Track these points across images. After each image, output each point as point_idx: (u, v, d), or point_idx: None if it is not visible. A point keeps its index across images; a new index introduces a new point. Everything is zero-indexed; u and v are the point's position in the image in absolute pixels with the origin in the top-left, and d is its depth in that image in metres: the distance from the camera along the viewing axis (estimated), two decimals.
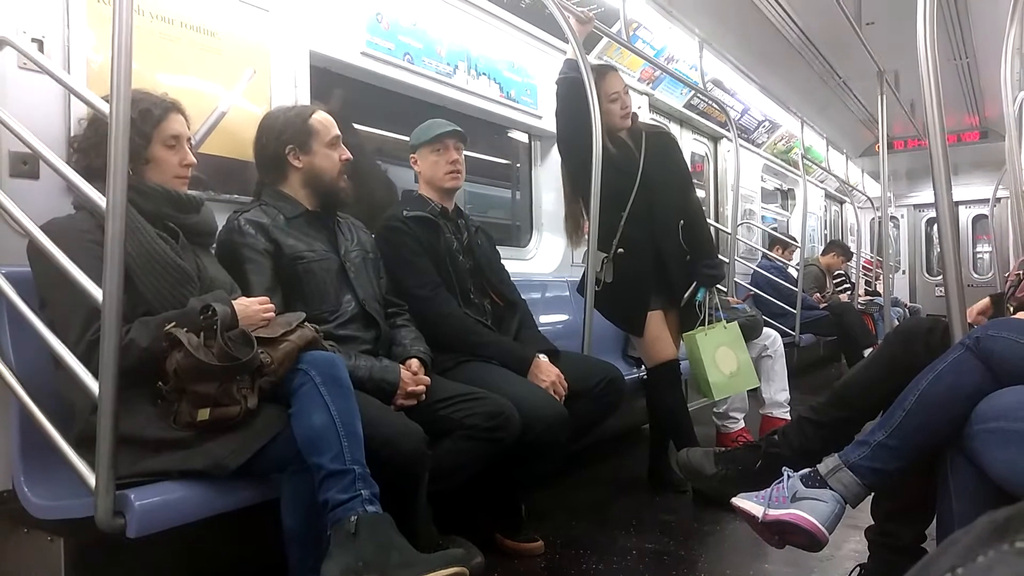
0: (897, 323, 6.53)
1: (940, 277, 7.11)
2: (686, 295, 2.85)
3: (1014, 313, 1.77)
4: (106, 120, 1.36)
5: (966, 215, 10.54)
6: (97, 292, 1.35)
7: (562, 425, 2.09)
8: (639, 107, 4.61)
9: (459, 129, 2.40)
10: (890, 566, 1.73)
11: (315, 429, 1.51)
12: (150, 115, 1.70)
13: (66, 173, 1.49)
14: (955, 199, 7.21)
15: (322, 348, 1.67)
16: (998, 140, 7.07)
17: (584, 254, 2.86)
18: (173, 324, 1.49)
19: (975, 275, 10.45)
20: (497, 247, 2.67)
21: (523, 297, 2.58)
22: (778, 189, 8.05)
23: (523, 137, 3.96)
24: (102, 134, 1.43)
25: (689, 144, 5.74)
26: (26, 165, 1.79)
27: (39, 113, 1.79)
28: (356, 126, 2.98)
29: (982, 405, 1.41)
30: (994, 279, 8.42)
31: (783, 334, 4.31)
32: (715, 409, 3.45)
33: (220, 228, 1.97)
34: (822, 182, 8.64)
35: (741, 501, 1.62)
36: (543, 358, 2.29)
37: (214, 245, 1.94)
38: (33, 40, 1.80)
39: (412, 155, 2.46)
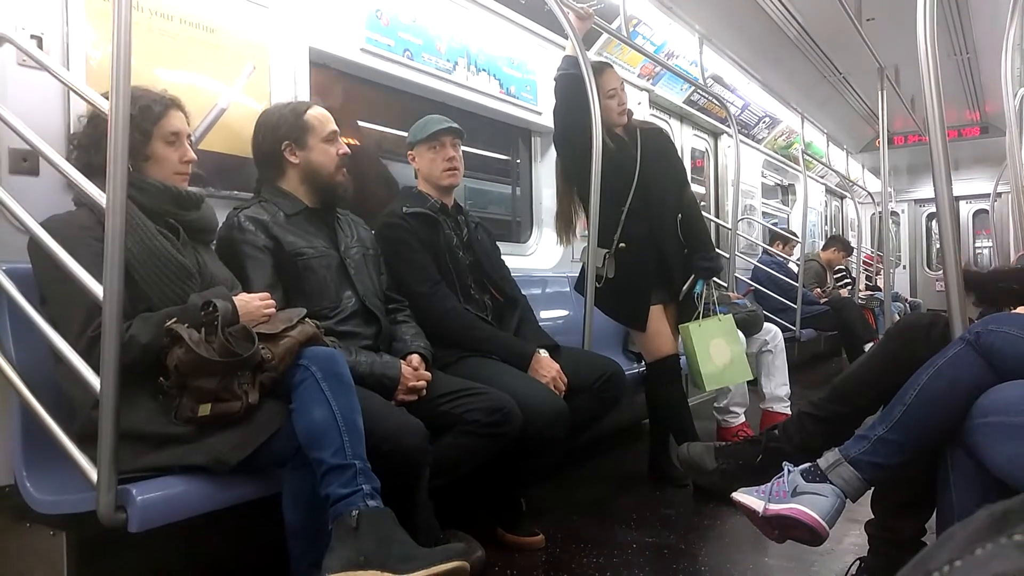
0: (897, 318, 6.55)
1: (941, 272, 7.11)
2: (684, 288, 2.86)
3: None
4: (106, 117, 1.36)
5: (967, 210, 10.54)
6: (98, 288, 1.36)
7: (562, 420, 2.09)
8: (639, 103, 4.61)
9: (456, 126, 2.40)
10: (890, 560, 1.74)
11: (316, 424, 1.51)
12: (150, 112, 1.70)
13: (66, 170, 1.49)
14: (956, 194, 7.21)
15: (323, 344, 1.67)
16: (998, 135, 7.06)
17: (583, 250, 2.87)
18: (174, 320, 1.50)
19: (975, 270, 10.44)
20: (497, 243, 2.67)
21: (523, 293, 2.58)
22: (778, 185, 8.05)
23: (523, 133, 3.96)
24: (102, 131, 1.43)
25: (689, 140, 5.74)
26: (26, 162, 1.79)
27: (39, 110, 1.79)
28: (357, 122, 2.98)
29: (982, 399, 1.41)
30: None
31: (784, 329, 4.32)
32: (715, 404, 3.45)
33: (220, 225, 1.97)
34: (822, 177, 8.64)
35: (742, 496, 1.62)
36: (543, 353, 2.29)
37: (214, 241, 1.94)
38: (32, 37, 1.80)
39: (410, 152, 2.46)
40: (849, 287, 6.73)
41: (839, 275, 6.75)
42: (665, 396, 2.86)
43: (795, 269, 5.74)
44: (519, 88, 3.62)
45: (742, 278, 5.38)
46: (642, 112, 4.56)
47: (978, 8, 4.78)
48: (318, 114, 2.11)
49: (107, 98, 1.37)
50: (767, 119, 6.69)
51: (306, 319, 1.67)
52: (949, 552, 0.35)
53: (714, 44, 5.09)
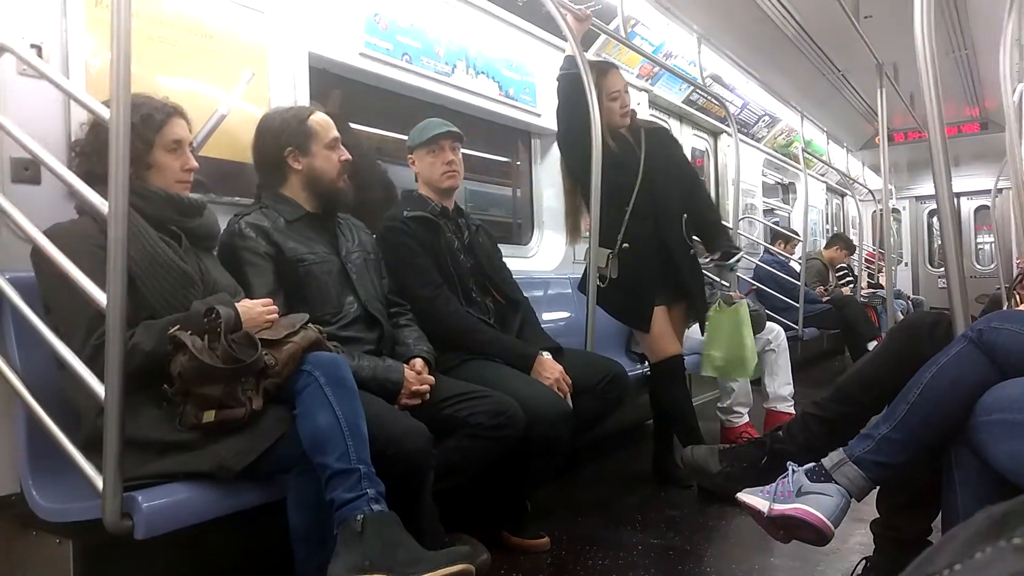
0: (900, 315, 6.54)
1: (943, 269, 7.10)
2: (731, 260, 2.92)
3: (1020, 304, 1.77)
4: (107, 125, 1.36)
5: (968, 206, 10.52)
6: (101, 296, 1.36)
7: (566, 422, 2.09)
8: (638, 103, 4.60)
9: (455, 129, 2.40)
10: (896, 559, 1.73)
11: (320, 429, 1.51)
12: (152, 120, 1.71)
13: (67, 178, 1.49)
14: (956, 190, 7.18)
15: (326, 349, 1.67)
16: (998, 131, 7.06)
17: (586, 251, 2.87)
18: (177, 327, 1.50)
19: (977, 266, 10.44)
20: (498, 245, 2.67)
21: (525, 295, 2.58)
22: (779, 183, 8.04)
23: (523, 135, 3.96)
24: (103, 139, 1.43)
25: (689, 140, 5.74)
26: (27, 171, 1.79)
27: (39, 118, 1.80)
28: (354, 126, 2.98)
29: (986, 397, 1.41)
30: (996, 270, 8.40)
31: (786, 328, 4.31)
32: (719, 404, 3.45)
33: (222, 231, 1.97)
34: (823, 176, 8.63)
35: (746, 496, 1.62)
36: (546, 355, 2.29)
37: (216, 248, 1.94)
38: (32, 46, 1.80)
39: (409, 156, 2.46)
40: (851, 285, 6.72)
41: (841, 273, 6.74)
42: (669, 397, 2.85)
43: (797, 268, 5.73)
44: (518, 90, 3.62)
45: (744, 277, 5.37)
46: (641, 112, 4.56)
47: (976, 4, 4.78)
48: (321, 120, 2.11)
49: (108, 106, 1.37)
50: (766, 118, 6.69)
51: (309, 324, 1.68)
52: (949, 555, 0.35)
53: (712, 44, 5.08)
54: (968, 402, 1.42)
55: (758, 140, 6.81)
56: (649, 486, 2.86)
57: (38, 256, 1.53)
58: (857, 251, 7.24)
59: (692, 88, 5.16)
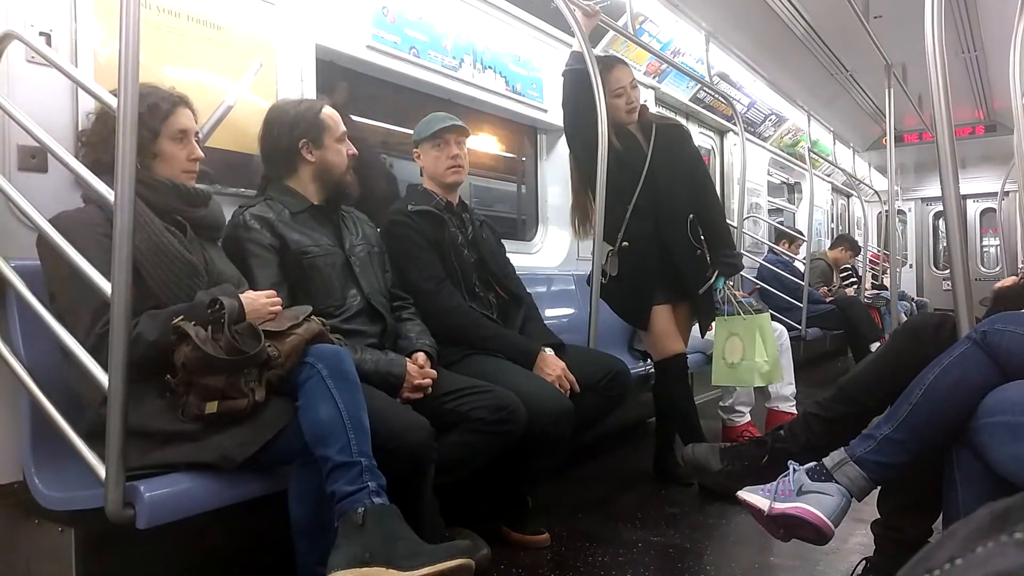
0: (904, 317, 6.53)
1: (947, 271, 7.07)
2: (706, 285, 2.82)
3: None
4: (114, 114, 1.36)
5: (974, 209, 10.49)
6: (106, 285, 1.37)
7: (567, 418, 2.09)
8: (644, 100, 4.58)
9: (460, 123, 2.40)
10: (896, 560, 1.73)
11: (322, 421, 1.52)
12: (158, 109, 1.71)
13: (74, 167, 1.50)
14: (963, 193, 7.17)
15: (329, 341, 1.68)
16: (1006, 133, 7.03)
17: (592, 248, 2.86)
18: (181, 317, 1.50)
19: (982, 269, 10.41)
20: (502, 241, 2.67)
21: (528, 291, 2.58)
22: (784, 183, 8.03)
23: (529, 131, 3.96)
24: (110, 128, 1.44)
25: (695, 138, 5.71)
26: (34, 159, 1.79)
27: (47, 107, 1.80)
28: (360, 119, 2.98)
29: (989, 399, 1.40)
30: (1002, 272, 8.38)
31: (789, 328, 4.31)
32: (721, 403, 3.45)
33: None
34: (829, 176, 8.60)
35: (747, 494, 1.62)
36: (549, 351, 2.29)
37: (221, 239, 1.94)
38: (41, 34, 1.80)
39: (415, 150, 2.46)
40: (855, 286, 6.71)
41: (845, 274, 6.73)
42: (672, 395, 2.85)
43: (801, 268, 5.72)
44: (525, 86, 3.61)
45: (748, 277, 5.37)
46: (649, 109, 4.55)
47: (986, 5, 4.75)
48: (332, 113, 2.12)
49: (115, 95, 1.37)
50: (773, 117, 6.67)
51: (312, 317, 1.68)
52: (950, 550, 0.35)
53: (720, 42, 5.07)
54: (971, 404, 1.42)
55: (764, 139, 6.79)
56: (650, 484, 2.87)
57: (44, 244, 1.54)
58: (862, 252, 7.23)
59: (699, 86, 5.15)
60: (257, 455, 1.50)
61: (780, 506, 1.55)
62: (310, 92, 2.47)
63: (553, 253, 3.91)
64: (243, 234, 1.96)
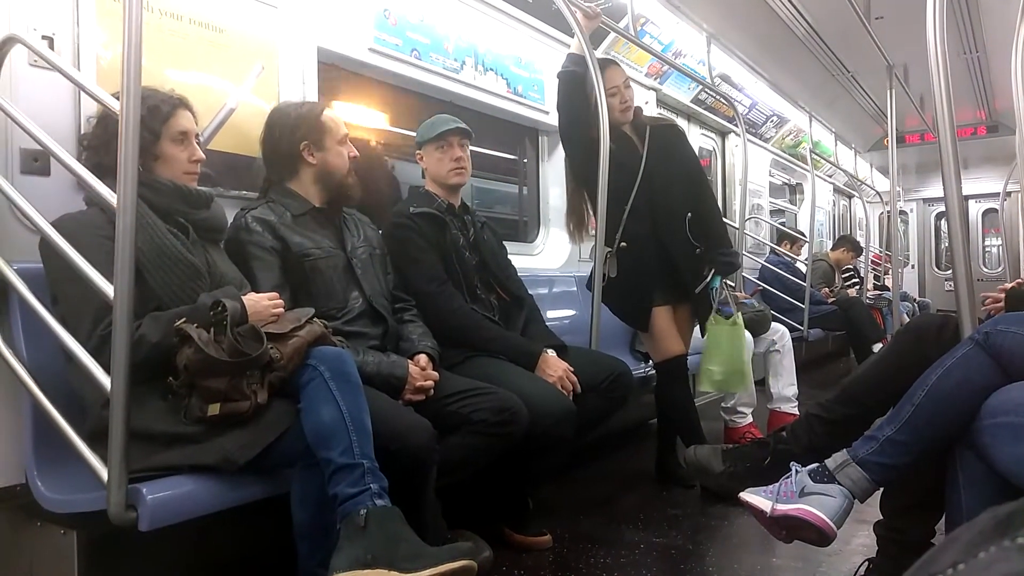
0: (906, 317, 6.51)
1: (950, 271, 7.07)
2: (701, 284, 2.81)
3: None
4: (116, 117, 1.37)
5: (976, 209, 10.48)
6: (108, 288, 1.37)
7: (569, 420, 2.09)
8: (646, 102, 4.59)
9: (463, 126, 2.40)
10: (899, 561, 1.73)
11: (324, 424, 1.52)
12: (159, 111, 1.71)
13: (77, 170, 1.50)
14: (964, 193, 7.16)
15: (331, 343, 1.68)
16: (1008, 134, 7.02)
17: (592, 249, 2.86)
18: (183, 320, 1.51)
19: (984, 269, 10.40)
20: (504, 242, 2.67)
21: (530, 293, 2.58)
22: (786, 184, 8.02)
23: (530, 132, 3.96)
24: (112, 131, 1.44)
25: (697, 139, 5.72)
26: (37, 162, 1.80)
27: (50, 110, 1.80)
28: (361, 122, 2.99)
29: (991, 400, 1.40)
30: (1004, 273, 8.37)
31: (791, 329, 4.31)
32: (723, 404, 3.45)
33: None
34: (830, 177, 8.60)
35: (749, 496, 1.62)
36: (551, 353, 2.29)
37: (223, 241, 1.95)
38: (44, 37, 1.81)
39: (418, 152, 2.46)
40: (857, 287, 6.70)
41: (847, 275, 6.73)
42: (673, 396, 2.85)
43: (803, 269, 5.72)
44: (526, 87, 3.62)
45: (749, 278, 5.36)
46: (649, 111, 4.55)
47: (987, 6, 4.75)
48: (333, 116, 2.13)
49: (118, 98, 1.37)
50: (775, 118, 6.67)
51: (314, 319, 1.68)
52: (953, 555, 0.35)
53: (722, 43, 5.07)
54: (973, 405, 1.42)
55: (766, 140, 6.79)
56: (651, 485, 2.86)
57: (46, 247, 1.54)
58: (864, 253, 7.23)
59: (701, 87, 5.15)
60: (259, 457, 1.50)
61: (782, 507, 1.55)
62: (312, 95, 2.48)
63: (554, 255, 3.91)
64: (245, 236, 1.96)
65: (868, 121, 7.67)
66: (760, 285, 5.39)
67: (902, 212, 10.40)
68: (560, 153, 3.60)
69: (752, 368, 2.98)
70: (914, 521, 1.71)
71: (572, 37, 2.77)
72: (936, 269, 11.05)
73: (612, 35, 3.97)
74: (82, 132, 1.83)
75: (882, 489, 1.63)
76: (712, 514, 2.49)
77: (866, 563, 1.79)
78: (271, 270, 1.95)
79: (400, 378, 1.94)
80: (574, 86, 2.67)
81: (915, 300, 8.82)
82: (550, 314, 3.06)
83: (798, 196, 8.18)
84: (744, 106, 5.95)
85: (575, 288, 3.56)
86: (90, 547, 1.59)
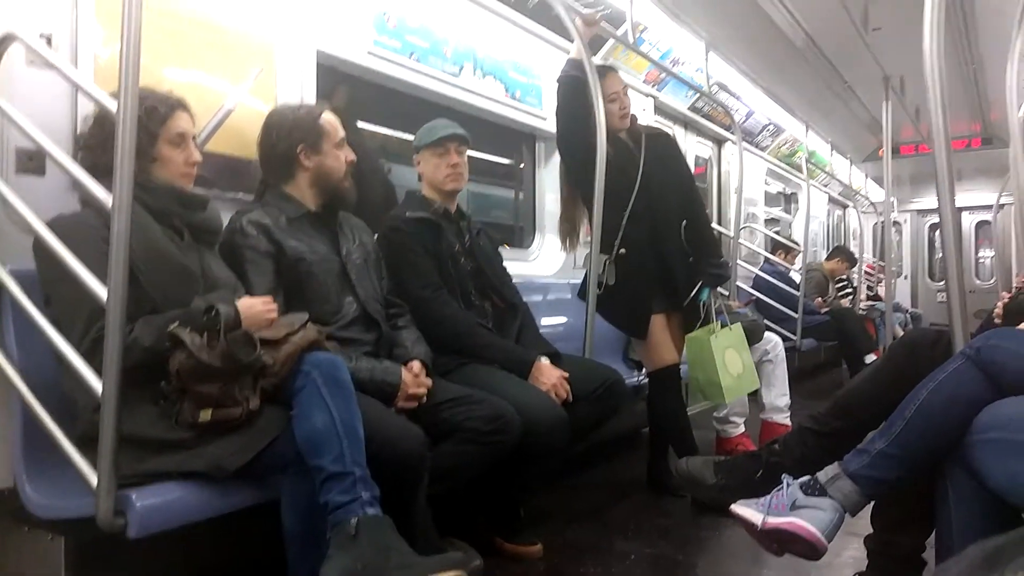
0: (898, 328, 6.53)
1: (943, 282, 7.09)
2: (691, 295, 2.82)
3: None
4: (113, 117, 1.36)
5: (969, 221, 10.53)
6: (102, 290, 1.36)
7: (562, 428, 2.09)
8: (644, 109, 4.60)
9: (461, 132, 2.40)
10: (888, 575, 1.73)
11: (316, 431, 1.51)
12: (156, 113, 1.70)
13: (72, 170, 1.49)
14: (958, 205, 7.19)
15: (324, 349, 1.67)
16: (1002, 147, 7.05)
17: (586, 256, 2.86)
18: (176, 324, 1.50)
19: (977, 281, 10.44)
20: (499, 249, 2.67)
21: (524, 299, 2.58)
22: (781, 193, 8.05)
23: (527, 137, 3.96)
24: (108, 131, 1.43)
25: (693, 147, 5.74)
26: (32, 161, 1.79)
27: (46, 109, 1.79)
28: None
29: (982, 415, 1.41)
30: (996, 285, 8.41)
31: (784, 339, 4.31)
32: (715, 414, 3.45)
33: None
34: (826, 187, 8.63)
35: (740, 508, 1.62)
36: (544, 361, 2.28)
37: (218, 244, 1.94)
38: (41, 36, 1.80)
39: (415, 156, 2.46)
40: (850, 297, 6.72)
41: (841, 285, 6.75)
42: (666, 406, 2.85)
43: (797, 279, 5.73)
44: (524, 93, 3.62)
45: (743, 287, 5.37)
46: (647, 118, 4.56)
47: (984, 19, 4.77)
48: (331, 119, 2.12)
49: (115, 98, 1.36)
50: (771, 127, 6.69)
51: (308, 324, 1.67)
52: None
53: (720, 51, 5.08)
54: (964, 419, 1.42)
55: (762, 149, 6.82)
56: (643, 494, 2.86)
57: (40, 248, 1.53)
58: (858, 263, 7.25)
59: (698, 95, 5.16)
60: (250, 464, 1.49)
61: (773, 520, 1.55)
62: (310, 97, 2.47)
63: (550, 261, 3.91)
64: (240, 240, 1.95)
65: (864, 132, 7.70)
66: (754, 294, 5.40)
67: (896, 223, 10.44)
68: (557, 159, 3.61)
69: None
70: (905, 535, 1.71)
71: (571, 43, 2.78)
72: (929, 280, 11.09)
73: (611, 41, 3.98)
74: (79, 132, 1.82)
75: (873, 503, 1.63)
76: (703, 525, 2.48)
77: None
78: (265, 274, 1.94)
79: (393, 385, 1.94)
80: (575, 92, 2.68)
81: (908, 311, 8.86)
82: (544, 321, 3.06)
83: (793, 205, 8.21)
84: (741, 115, 5.97)
85: (569, 295, 3.56)
86: (78, 553, 1.57)
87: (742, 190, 4.93)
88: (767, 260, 5.94)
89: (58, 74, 1.63)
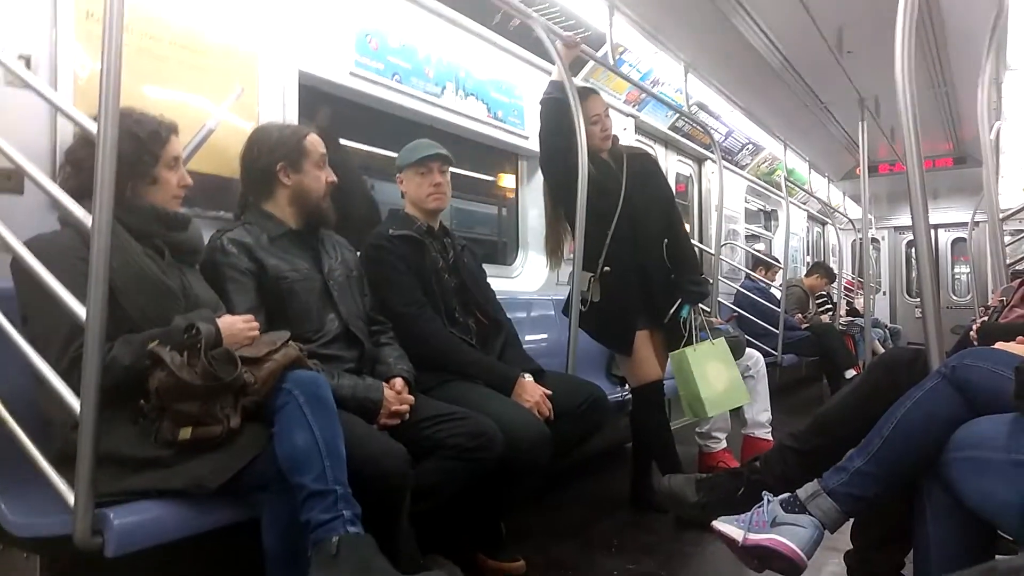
0: (878, 343, 6.59)
1: (919, 298, 7.17)
2: (670, 312, 2.85)
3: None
4: (93, 139, 1.36)
5: (946, 238, 10.70)
6: (81, 309, 1.35)
7: (545, 445, 2.09)
8: (625, 129, 4.66)
9: (444, 152, 2.42)
10: None
11: (297, 449, 1.50)
12: (158, 136, 1.72)
13: (51, 190, 1.48)
14: (934, 222, 7.31)
15: (306, 367, 1.67)
16: (975, 166, 7.20)
17: (570, 274, 2.88)
18: (156, 342, 1.49)
19: (954, 297, 10.59)
20: (483, 265, 2.68)
21: (508, 315, 2.59)
22: (761, 210, 8.14)
23: (510, 156, 3.99)
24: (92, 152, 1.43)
25: (674, 165, 5.80)
26: (11, 180, 1.78)
27: (26, 128, 1.80)
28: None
29: (958, 433, 1.43)
30: (972, 301, 8.53)
31: (765, 354, 4.35)
32: (698, 429, 3.46)
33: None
34: (804, 204, 8.75)
35: (721, 524, 1.63)
36: (527, 378, 2.29)
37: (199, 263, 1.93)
38: (20, 57, 1.80)
39: (398, 175, 2.47)
40: (830, 312, 6.79)
41: (821, 301, 6.82)
42: (649, 422, 2.86)
43: (777, 295, 5.79)
44: (507, 113, 3.65)
45: (725, 303, 5.42)
46: (627, 138, 4.61)
47: (955, 42, 4.88)
48: (314, 140, 2.13)
49: (95, 120, 1.36)
50: (750, 146, 6.78)
51: (290, 342, 1.67)
52: None
53: (699, 73, 5.16)
54: (940, 437, 1.45)
55: (742, 167, 6.90)
56: (626, 510, 2.86)
57: (18, 266, 1.52)
58: (837, 279, 7.34)
59: (678, 115, 5.23)
60: (231, 482, 1.48)
61: (754, 537, 1.56)
62: (292, 117, 2.48)
63: (533, 278, 3.93)
64: (220, 258, 1.95)
65: (841, 150, 7.83)
66: (735, 310, 5.44)
67: (874, 240, 10.58)
68: (539, 176, 3.63)
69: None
70: (884, 552, 1.73)
71: (552, 64, 2.81)
72: (907, 296, 11.23)
73: (591, 63, 4.03)
74: (61, 150, 1.81)
75: (853, 520, 1.65)
76: (686, 541, 2.49)
77: None
78: (247, 292, 1.94)
79: (375, 402, 1.93)
80: (557, 113, 2.71)
81: (886, 326, 8.95)
82: (527, 337, 3.06)
83: (773, 222, 8.30)
84: (720, 134, 6.05)
85: (552, 312, 3.57)
86: (54, 571, 1.55)
87: (722, 208, 4.99)
88: (748, 276, 6.00)
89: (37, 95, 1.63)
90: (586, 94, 2.87)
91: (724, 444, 3.42)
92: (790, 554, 1.51)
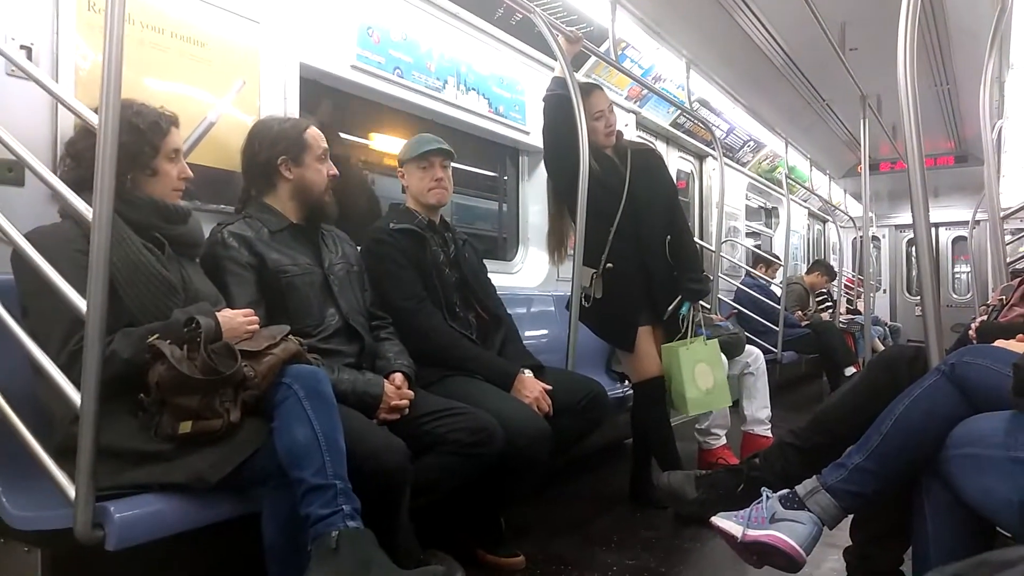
0: (878, 341, 6.59)
1: (920, 296, 7.18)
2: (670, 308, 2.85)
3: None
4: (94, 131, 1.36)
5: (946, 236, 10.70)
6: (81, 303, 1.35)
7: (545, 441, 2.09)
8: (626, 124, 4.65)
9: (446, 147, 2.42)
10: None
11: (297, 443, 1.50)
12: (159, 128, 1.72)
13: (52, 182, 1.48)
14: (935, 220, 7.31)
15: (306, 361, 1.67)
16: (977, 164, 7.19)
17: (572, 270, 2.88)
18: (156, 336, 1.49)
19: (954, 295, 10.59)
20: (483, 260, 2.68)
21: (508, 311, 2.59)
22: (762, 207, 8.14)
23: (511, 151, 3.99)
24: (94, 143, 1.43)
25: (675, 162, 5.79)
26: (11, 172, 1.78)
27: (26, 120, 1.79)
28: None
29: (957, 430, 1.43)
30: (973, 299, 8.53)
31: (765, 352, 4.35)
32: (697, 425, 3.46)
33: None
34: (805, 201, 8.74)
35: (721, 521, 1.63)
36: (527, 373, 2.29)
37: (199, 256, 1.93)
38: (22, 47, 1.79)
39: (400, 169, 2.47)
40: (830, 310, 6.79)
41: (821, 298, 6.82)
42: (649, 417, 2.86)
43: (778, 292, 5.79)
44: (508, 107, 3.65)
45: (725, 300, 5.42)
46: (629, 133, 4.60)
47: (958, 41, 4.88)
48: (315, 133, 2.12)
49: (97, 112, 1.36)
50: (752, 143, 6.77)
51: (289, 336, 1.67)
52: None
53: (701, 69, 5.15)
54: (940, 435, 1.45)
55: (743, 164, 6.90)
56: (626, 506, 2.87)
57: (18, 259, 1.51)
58: (837, 277, 7.34)
59: (680, 111, 5.22)
60: (230, 476, 1.48)
61: (753, 533, 1.56)
62: (293, 111, 2.48)
63: (533, 273, 3.93)
64: (221, 252, 1.95)
65: (842, 148, 7.82)
66: (736, 307, 5.45)
67: (874, 238, 10.58)
68: (541, 172, 3.63)
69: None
70: (883, 549, 1.73)
71: (554, 59, 2.81)
72: (907, 294, 11.23)
73: (593, 59, 4.03)
74: (61, 142, 1.81)
75: (852, 516, 1.65)
76: (685, 537, 2.49)
77: None
78: (247, 286, 1.93)
79: (375, 396, 1.93)
80: (560, 109, 2.70)
81: (886, 324, 8.96)
82: (527, 333, 3.06)
83: (774, 220, 8.30)
84: (722, 130, 6.04)
85: (553, 307, 3.57)
86: (55, 565, 1.55)
87: (723, 204, 4.99)
88: (748, 273, 6.00)
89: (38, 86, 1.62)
90: (589, 90, 2.87)
91: (724, 441, 3.42)
92: (789, 550, 1.51)
